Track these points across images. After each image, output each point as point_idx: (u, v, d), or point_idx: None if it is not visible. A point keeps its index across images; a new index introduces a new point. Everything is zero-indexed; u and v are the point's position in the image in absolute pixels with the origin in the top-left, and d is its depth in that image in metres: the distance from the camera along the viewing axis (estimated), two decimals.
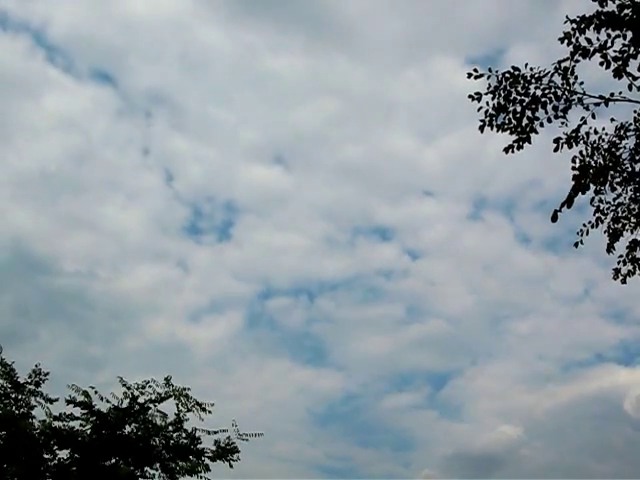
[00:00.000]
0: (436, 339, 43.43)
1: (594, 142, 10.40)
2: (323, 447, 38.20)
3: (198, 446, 14.92)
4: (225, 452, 14.98)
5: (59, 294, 39.28)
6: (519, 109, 10.02)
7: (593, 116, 10.03)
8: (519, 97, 9.97)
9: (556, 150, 10.09)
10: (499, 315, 45.48)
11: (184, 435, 14.87)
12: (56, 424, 13.97)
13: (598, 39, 9.38)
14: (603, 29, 9.23)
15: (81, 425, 14.23)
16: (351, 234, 47.14)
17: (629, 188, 10.75)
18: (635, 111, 10.26)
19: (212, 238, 46.78)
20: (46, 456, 13.79)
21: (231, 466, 15.10)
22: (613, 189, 10.65)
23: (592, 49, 9.43)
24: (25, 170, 43.09)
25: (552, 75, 9.83)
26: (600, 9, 9.11)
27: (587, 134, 10.35)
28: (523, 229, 46.16)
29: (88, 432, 14.12)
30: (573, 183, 9.91)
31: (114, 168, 44.40)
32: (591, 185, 10.23)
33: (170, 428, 14.86)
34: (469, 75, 9.92)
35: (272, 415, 38.71)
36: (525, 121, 10.05)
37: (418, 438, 41.02)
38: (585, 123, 10.12)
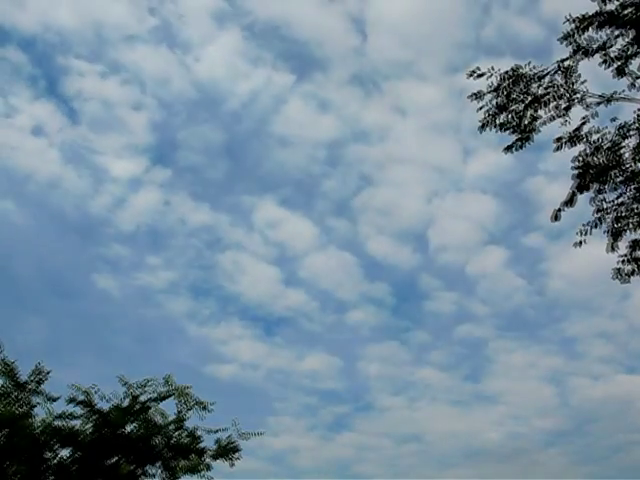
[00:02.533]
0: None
1: (596, 141, 10.40)
2: None
3: (199, 445, 14.93)
4: (226, 451, 14.99)
5: (91, 320, 40.88)
6: (520, 108, 10.03)
7: (594, 115, 10.05)
8: (520, 96, 9.98)
9: (557, 149, 10.10)
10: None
11: (185, 434, 14.88)
12: (57, 423, 13.97)
13: (599, 38, 9.40)
14: (604, 28, 9.23)
15: (82, 424, 14.23)
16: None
17: (631, 187, 10.74)
18: (636, 110, 10.27)
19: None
20: (47, 455, 13.78)
21: (232, 465, 15.11)
22: (615, 188, 10.65)
23: (593, 48, 9.44)
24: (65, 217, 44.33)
25: (553, 74, 9.84)
26: (601, 8, 9.11)
27: (589, 133, 10.36)
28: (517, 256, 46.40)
29: (89, 431, 14.11)
30: (574, 182, 9.92)
31: (139, 213, 45.17)
32: (592, 184, 10.24)
33: (171, 427, 14.86)
34: (470, 74, 9.93)
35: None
36: (526, 120, 10.07)
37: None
38: (587, 122, 10.14)
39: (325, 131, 46.20)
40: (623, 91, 9.67)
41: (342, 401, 41.97)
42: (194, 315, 44.13)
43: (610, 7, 9.18)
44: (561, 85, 9.85)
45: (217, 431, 15.01)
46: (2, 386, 14.07)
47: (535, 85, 9.91)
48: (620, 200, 10.85)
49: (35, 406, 14.17)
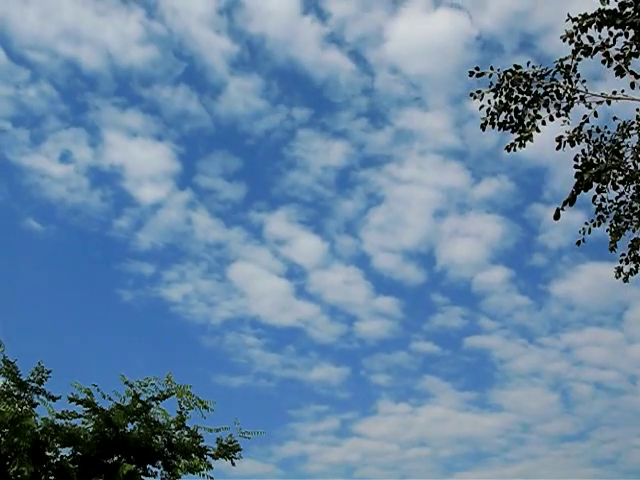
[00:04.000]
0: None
1: (596, 140, 10.40)
2: None
3: (200, 444, 14.95)
4: (227, 450, 15.02)
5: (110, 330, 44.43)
6: (521, 107, 10.01)
7: (595, 114, 10.02)
8: (521, 95, 9.95)
9: (558, 148, 10.07)
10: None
11: (186, 433, 14.90)
12: (58, 422, 14.00)
13: (600, 37, 9.38)
14: (605, 27, 9.21)
15: (83, 423, 14.25)
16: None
17: (631, 187, 10.76)
18: (638, 109, 10.26)
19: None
20: (48, 454, 13.80)
21: (233, 464, 15.14)
22: (615, 187, 10.66)
23: (594, 47, 9.42)
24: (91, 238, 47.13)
25: (554, 73, 9.82)
26: (602, 7, 9.09)
27: (589, 133, 10.36)
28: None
29: (90, 430, 14.13)
30: (576, 181, 9.89)
31: (160, 232, 47.43)
32: (593, 183, 10.22)
33: (172, 426, 14.89)
34: (471, 73, 9.91)
35: None
36: (527, 119, 10.04)
37: None
38: (587, 122, 10.12)
39: (336, 156, 48.79)
40: (623, 91, 9.66)
41: (350, 408, 43.71)
42: (207, 326, 45.93)
43: (610, 6, 9.16)
44: (561, 85, 9.83)
45: (218, 430, 15.04)
46: (3, 385, 14.11)
47: (535, 84, 9.89)
48: (620, 199, 10.88)
49: (36, 405, 14.22)
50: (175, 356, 43.55)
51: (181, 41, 47.11)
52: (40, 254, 46.24)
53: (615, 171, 10.46)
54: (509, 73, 9.88)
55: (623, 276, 11.59)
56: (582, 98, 9.92)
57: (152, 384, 14.68)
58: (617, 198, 10.98)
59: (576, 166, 9.93)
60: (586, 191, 9.90)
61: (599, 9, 9.18)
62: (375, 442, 42.01)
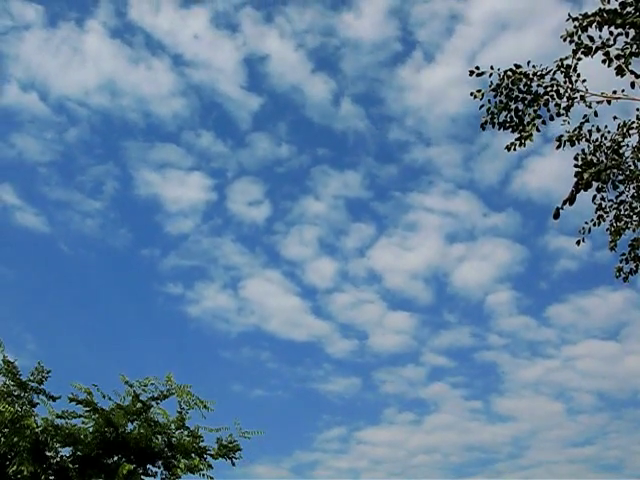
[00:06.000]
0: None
1: (596, 140, 10.40)
2: None
3: (200, 444, 14.93)
4: (228, 450, 15.01)
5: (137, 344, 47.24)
6: (521, 107, 10.00)
7: (595, 114, 10.02)
8: (521, 95, 9.95)
9: (558, 148, 10.08)
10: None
11: (186, 433, 14.88)
12: (58, 422, 13.98)
13: (600, 37, 9.37)
14: (605, 27, 9.20)
15: (83, 423, 14.23)
16: None
17: (631, 186, 10.76)
18: (638, 109, 10.25)
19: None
20: (48, 454, 13.78)
21: (233, 464, 15.13)
22: (615, 187, 10.67)
23: (594, 47, 9.41)
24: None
25: (554, 73, 9.81)
26: (602, 7, 9.09)
27: (590, 132, 10.35)
28: None
29: (90, 430, 14.11)
30: (575, 180, 9.90)
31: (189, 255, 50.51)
32: (593, 183, 10.22)
33: (172, 426, 14.87)
34: (471, 73, 9.90)
35: None
36: (527, 119, 10.03)
37: None
38: (587, 121, 10.12)
39: (348, 186, 52.06)
40: (623, 90, 9.65)
41: (361, 417, 46.33)
42: (227, 340, 48.48)
43: (611, 6, 9.15)
44: (561, 84, 9.82)
45: (218, 430, 15.03)
46: (3, 385, 14.09)
47: (535, 84, 9.89)
48: (620, 199, 10.87)
49: (36, 405, 14.20)
50: (198, 369, 45.74)
51: (208, 93, 50.67)
52: (75, 279, 49.83)
53: (615, 170, 10.47)
54: (509, 73, 9.88)
55: (623, 276, 11.59)
56: (582, 98, 9.91)
57: (152, 384, 14.68)
58: (617, 197, 10.98)
59: (576, 165, 9.94)
60: (586, 190, 9.90)
61: (600, 8, 9.17)
62: (384, 448, 44.08)
